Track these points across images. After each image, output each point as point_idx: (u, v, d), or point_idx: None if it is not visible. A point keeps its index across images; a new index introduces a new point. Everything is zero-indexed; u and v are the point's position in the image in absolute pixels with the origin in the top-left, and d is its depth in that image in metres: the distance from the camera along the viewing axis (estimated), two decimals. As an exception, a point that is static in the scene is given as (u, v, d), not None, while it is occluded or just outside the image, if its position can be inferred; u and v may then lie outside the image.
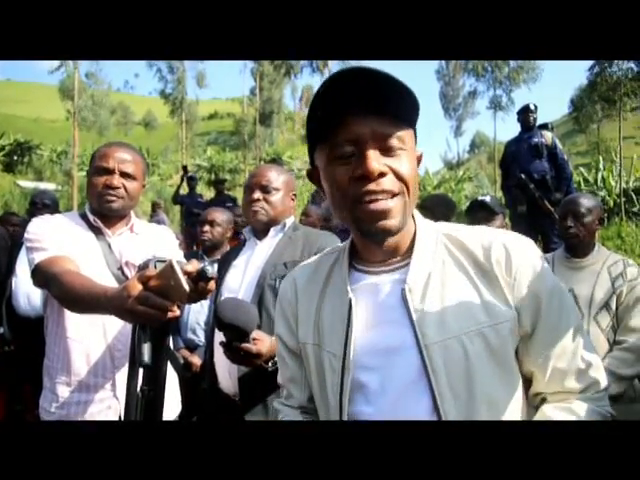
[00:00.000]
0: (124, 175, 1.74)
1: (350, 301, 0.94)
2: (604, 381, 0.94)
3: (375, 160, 0.87)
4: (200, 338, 3.15)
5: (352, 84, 0.84)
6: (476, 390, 0.87)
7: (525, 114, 5.62)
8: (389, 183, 0.88)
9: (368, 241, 0.95)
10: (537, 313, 0.90)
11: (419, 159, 0.96)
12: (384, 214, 0.89)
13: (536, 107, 5.64)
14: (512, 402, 0.91)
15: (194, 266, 1.15)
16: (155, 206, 9.93)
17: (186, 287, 1.09)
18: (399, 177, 0.89)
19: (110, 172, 1.73)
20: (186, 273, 1.12)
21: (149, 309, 1.12)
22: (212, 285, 1.20)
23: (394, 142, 0.89)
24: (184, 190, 9.28)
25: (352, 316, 0.94)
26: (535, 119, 5.64)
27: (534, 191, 5.31)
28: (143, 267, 1.23)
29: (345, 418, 0.93)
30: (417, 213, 1.00)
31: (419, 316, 0.89)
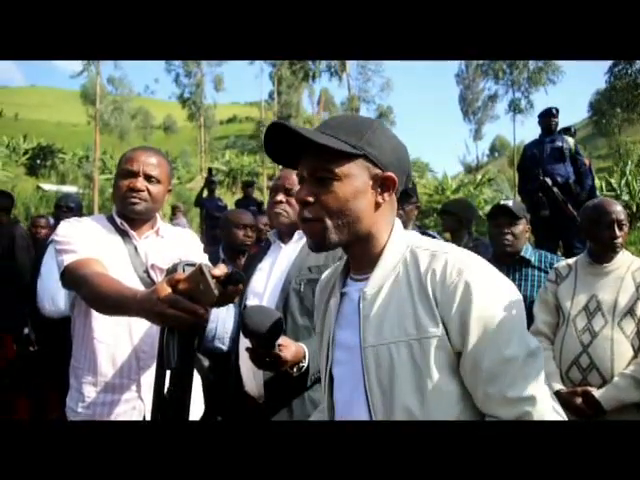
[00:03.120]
0: (148, 178, 1.76)
1: (334, 302, 1.11)
2: (539, 415, 0.92)
3: (303, 190, 1.03)
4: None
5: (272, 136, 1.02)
6: (395, 397, 0.95)
7: (547, 118, 5.56)
8: (310, 210, 1.02)
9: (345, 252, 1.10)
10: (463, 335, 0.93)
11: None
12: (308, 235, 1.06)
13: (557, 111, 5.58)
14: (429, 416, 0.93)
15: (222, 270, 1.16)
16: (175, 209, 10.00)
17: (215, 291, 1.09)
18: (322, 205, 1.01)
19: (134, 175, 1.75)
20: (215, 277, 1.12)
21: (179, 312, 1.12)
22: (240, 288, 1.20)
23: (324, 174, 1.01)
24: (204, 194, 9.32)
25: (332, 315, 1.11)
26: (557, 123, 5.58)
27: (558, 195, 5.24)
28: (172, 271, 1.23)
29: (331, 399, 1.09)
30: (397, 227, 1.07)
31: (365, 321, 1.01)
